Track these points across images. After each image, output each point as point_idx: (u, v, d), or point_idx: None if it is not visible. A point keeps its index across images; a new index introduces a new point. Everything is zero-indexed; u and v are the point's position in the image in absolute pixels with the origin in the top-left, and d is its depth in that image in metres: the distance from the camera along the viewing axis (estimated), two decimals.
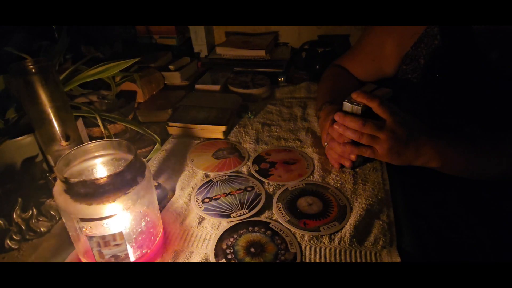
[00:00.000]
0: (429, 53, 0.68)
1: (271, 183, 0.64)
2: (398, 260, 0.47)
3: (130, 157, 0.47)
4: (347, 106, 0.60)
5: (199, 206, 0.58)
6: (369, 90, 0.61)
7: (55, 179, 0.46)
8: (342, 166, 0.66)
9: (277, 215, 0.56)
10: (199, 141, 0.78)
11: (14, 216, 0.52)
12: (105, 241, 0.43)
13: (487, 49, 0.62)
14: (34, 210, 0.53)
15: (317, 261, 0.49)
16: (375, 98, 0.58)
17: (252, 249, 0.50)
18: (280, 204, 0.58)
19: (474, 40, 0.63)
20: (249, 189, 0.62)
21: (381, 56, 0.77)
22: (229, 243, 0.51)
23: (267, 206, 0.59)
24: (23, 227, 0.53)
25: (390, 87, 0.62)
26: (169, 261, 0.49)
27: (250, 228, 0.54)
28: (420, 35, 0.69)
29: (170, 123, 0.80)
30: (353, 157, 0.63)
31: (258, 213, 0.57)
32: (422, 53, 0.69)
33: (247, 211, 0.57)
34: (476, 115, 0.66)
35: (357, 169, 0.66)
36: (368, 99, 0.58)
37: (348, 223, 0.54)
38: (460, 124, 0.67)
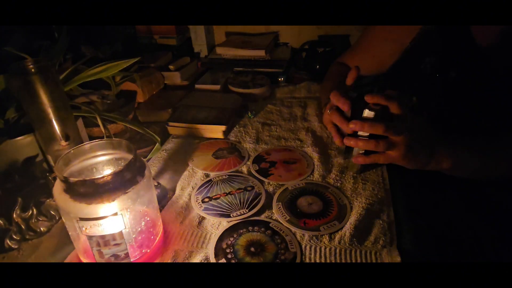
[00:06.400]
0: (428, 48, 0.68)
1: (271, 183, 0.64)
2: (398, 259, 0.47)
3: (129, 156, 0.47)
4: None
5: (199, 206, 0.58)
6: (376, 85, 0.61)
7: (55, 178, 0.47)
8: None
9: (277, 215, 0.56)
10: (199, 141, 0.78)
11: (14, 216, 0.52)
12: (105, 240, 0.43)
13: (485, 43, 0.63)
14: (34, 210, 0.53)
15: (317, 260, 0.49)
16: (392, 99, 0.54)
17: (252, 249, 0.50)
18: (280, 203, 0.58)
19: (472, 34, 0.63)
20: (249, 188, 0.62)
21: (381, 52, 0.78)
22: (229, 242, 0.51)
23: (267, 205, 0.58)
24: (23, 227, 0.53)
25: (390, 83, 0.62)
26: (169, 261, 0.49)
27: (250, 228, 0.54)
28: (419, 30, 0.70)
29: (170, 123, 0.80)
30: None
31: (258, 213, 0.57)
32: (421, 48, 0.69)
33: (247, 210, 0.57)
34: (475, 110, 0.66)
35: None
36: (386, 101, 0.54)
37: (348, 223, 0.54)
38: (460, 120, 0.67)
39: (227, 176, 0.66)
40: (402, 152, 0.55)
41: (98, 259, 0.44)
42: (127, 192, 0.42)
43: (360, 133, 0.57)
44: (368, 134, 0.56)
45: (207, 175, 0.67)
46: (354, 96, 0.58)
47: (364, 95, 0.56)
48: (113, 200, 0.41)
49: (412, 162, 0.57)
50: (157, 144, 0.70)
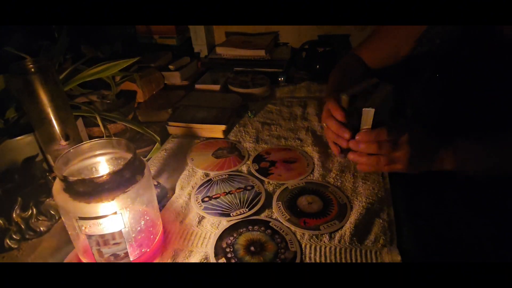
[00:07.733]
0: (445, 33, 0.67)
1: (271, 182, 0.64)
2: (398, 259, 0.47)
3: (129, 155, 0.47)
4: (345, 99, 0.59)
5: (199, 205, 0.58)
6: (370, 84, 0.60)
7: (54, 178, 0.47)
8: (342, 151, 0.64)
9: (277, 214, 0.56)
10: (199, 141, 0.78)
11: (14, 215, 0.52)
12: (104, 240, 0.43)
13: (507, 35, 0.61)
14: (34, 210, 0.53)
15: (317, 260, 0.49)
16: (380, 130, 0.55)
17: (252, 248, 0.50)
18: (280, 203, 0.58)
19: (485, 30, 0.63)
20: (249, 188, 0.62)
21: (396, 39, 0.77)
22: (229, 242, 0.51)
23: (267, 205, 0.58)
24: (23, 227, 0.53)
25: (402, 76, 0.62)
26: (169, 261, 0.49)
27: (250, 227, 0.54)
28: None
29: (170, 123, 0.80)
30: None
31: (258, 212, 0.57)
32: (438, 32, 0.68)
33: (247, 210, 0.57)
34: (489, 104, 0.65)
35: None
36: (375, 136, 0.55)
37: (348, 222, 0.54)
38: (472, 114, 0.66)
39: (227, 175, 0.66)
40: (404, 166, 0.56)
41: (98, 259, 0.44)
42: (126, 191, 0.42)
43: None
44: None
45: (207, 175, 0.67)
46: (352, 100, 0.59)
47: (357, 95, 0.57)
48: (113, 199, 0.41)
49: (416, 170, 0.58)
50: (157, 143, 0.70)
